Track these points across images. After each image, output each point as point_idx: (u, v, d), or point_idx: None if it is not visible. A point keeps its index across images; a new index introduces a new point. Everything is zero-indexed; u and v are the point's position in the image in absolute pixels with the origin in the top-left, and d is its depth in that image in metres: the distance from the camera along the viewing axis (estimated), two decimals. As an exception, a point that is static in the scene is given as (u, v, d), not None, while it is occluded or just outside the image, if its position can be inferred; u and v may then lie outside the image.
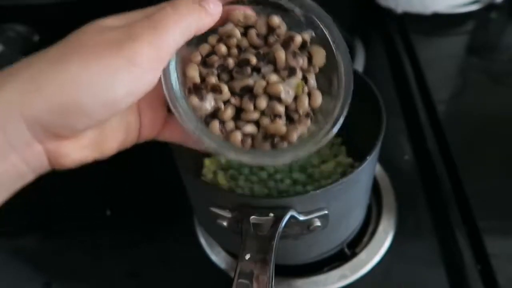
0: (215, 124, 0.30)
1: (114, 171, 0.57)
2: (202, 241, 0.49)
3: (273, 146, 0.31)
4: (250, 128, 0.31)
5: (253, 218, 0.35)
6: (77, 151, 0.26)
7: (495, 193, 0.49)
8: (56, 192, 0.56)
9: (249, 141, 0.31)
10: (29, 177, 0.26)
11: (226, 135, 0.30)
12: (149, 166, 0.57)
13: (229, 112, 0.30)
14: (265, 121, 0.31)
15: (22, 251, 0.50)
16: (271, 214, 0.35)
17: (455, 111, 0.61)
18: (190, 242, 0.49)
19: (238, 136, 0.30)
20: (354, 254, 0.46)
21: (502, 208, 0.48)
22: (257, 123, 0.31)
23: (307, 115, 0.31)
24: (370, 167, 0.42)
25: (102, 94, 0.23)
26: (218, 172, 0.50)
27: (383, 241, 0.47)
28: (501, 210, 0.48)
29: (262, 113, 0.31)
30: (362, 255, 0.46)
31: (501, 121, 0.57)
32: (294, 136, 0.30)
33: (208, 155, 0.52)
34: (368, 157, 0.37)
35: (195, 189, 0.42)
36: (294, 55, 0.31)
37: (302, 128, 0.31)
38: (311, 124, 0.31)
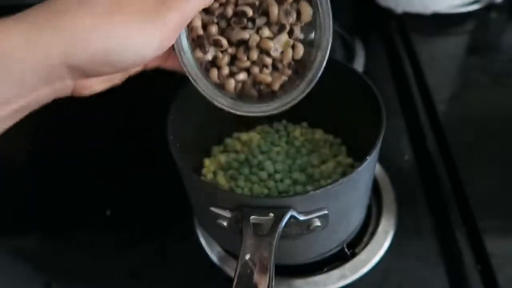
0: (214, 72, 0.35)
1: (114, 171, 0.57)
2: (202, 241, 0.49)
3: (259, 92, 0.37)
4: (242, 76, 0.36)
5: (253, 218, 0.35)
6: (98, 84, 0.32)
7: (495, 193, 0.49)
8: (56, 192, 0.56)
9: (239, 85, 0.36)
10: (49, 100, 0.29)
11: (222, 82, 0.36)
12: (149, 166, 0.56)
13: (226, 60, 0.35)
14: (255, 69, 0.36)
15: (22, 251, 0.50)
16: (271, 214, 0.35)
17: (455, 111, 0.61)
18: (190, 242, 0.49)
19: (232, 83, 0.36)
20: (354, 254, 0.46)
21: (502, 208, 0.48)
22: (247, 70, 0.36)
23: (289, 65, 0.36)
24: (370, 167, 0.42)
25: (136, 52, 0.28)
26: (218, 172, 0.50)
27: (383, 241, 0.47)
28: (501, 210, 0.48)
29: (253, 62, 0.36)
30: (362, 255, 0.46)
31: (501, 121, 0.57)
32: (277, 85, 0.36)
33: (208, 155, 0.52)
34: (368, 157, 0.37)
35: (195, 189, 0.42)
36: (286, 13, 0.34)
37: (284, 78, 0.36)
38: (294, 75, 0.36)
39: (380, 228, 0.48)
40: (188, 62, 0.34)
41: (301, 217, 0.36)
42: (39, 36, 0.25)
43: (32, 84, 0.26)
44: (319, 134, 0.53)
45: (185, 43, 0.34)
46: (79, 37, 0.26)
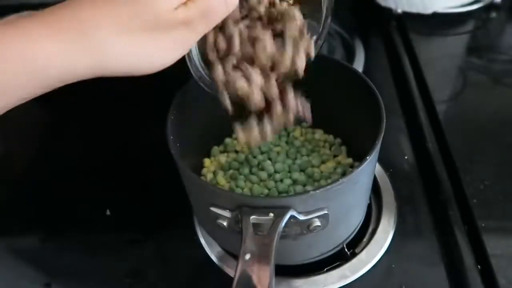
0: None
1: (114, 171, 0.57)
2: (202, 241, 0.49)
3: None
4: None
5: (253, 218, 0.35)
6: None
7: (495, 193, 0.49)
8: (56, 192, 0.56)
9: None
10: None
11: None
12: (149, 166, 0.57)
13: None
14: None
15: (22, 251, 0.50)
16: (271, 214, 0.35)
17: (455, 111, 0.61)
18: (190, 242, 0.49)
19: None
20: (354, 254, 0.46)
21: (502, 208, 0.48)
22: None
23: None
24: (370, 167, 0.42)
25: (154, 66, 0.30)
26: (218, 172, 0.50)
27: (383, 241, 0.47)
28: (501, 210, 0.48)
29: None
30: (362, 255, 0.46)
31: (501, 121, 0.57)
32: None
33: (208, 155, 0.52)
34: (368, 157, 0.37)
35: (195, 189, 0.42)
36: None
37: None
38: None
39: (380, 228, 0.48)
40: (194, 56, 0.36)
41: (301, 217, 0.36)
42: (72, 54, 0.27)
43: (53, 85, 0.28)
44: (319, 134, 0.53)
45: (194, 47, 0.36)
46: (111, 57, 0.28)
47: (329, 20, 0.39)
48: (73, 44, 0.27)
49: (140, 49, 0.29)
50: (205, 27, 0.31)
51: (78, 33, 0.27)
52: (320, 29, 0.40)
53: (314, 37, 0.39)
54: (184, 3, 0.29)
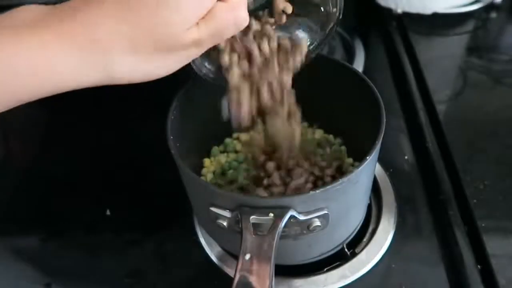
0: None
1: (114, 171, 0.57)
2: (202, 241, 0.49)
3: None
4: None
5: (253, 218, 0.35)
6: None
7: (495, 193, 0.49)
8: (56, 192, 0.56)
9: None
10: None
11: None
12: (149, 166, 0.57)
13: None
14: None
15: (22, 251, 0.50)
16: (271, 214, 0.35)
17: (455, 111, 0.61)
18: (190, 242, 0.49)
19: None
20: (354, 254, 0.46)
21: (502, 208, 0.48)
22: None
23: None
24: (370, 167, 0.42)
25: (157, 76, 0.31)
26: (218, 172, 0.50)
27: (383, 241, 0.47)
28: (501, 210, 0.48)
29: None
30: (362, 255, 0.46)
31: (501, 121, 0.57)
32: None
33: (208, 155, 0.52)
34: (368, 157, 0.37)
35: (195, 189, 0.42)
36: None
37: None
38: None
39: (380, 228, 0.48)
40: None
41: (301, 217, 0.36)
42: (82, 68, 0.28)
43: (57, 92, 0.29)
44: (319, 134, 0.53)
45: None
46: (119, 73, 0.29)
47: (334, 29, 0.40)
48: (84, 60, 0.28)
49: (148, 65, 0.30)
50: (212, 44, 0.32)
51: (91, 49, 0.28)
52: (324, 37, 0.40)
53: (313, 42, 0.40)
54: (196, 23, 0.29)
